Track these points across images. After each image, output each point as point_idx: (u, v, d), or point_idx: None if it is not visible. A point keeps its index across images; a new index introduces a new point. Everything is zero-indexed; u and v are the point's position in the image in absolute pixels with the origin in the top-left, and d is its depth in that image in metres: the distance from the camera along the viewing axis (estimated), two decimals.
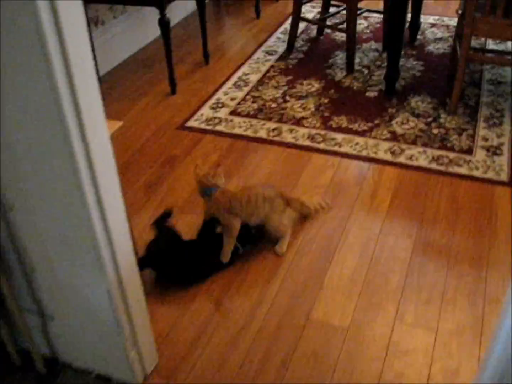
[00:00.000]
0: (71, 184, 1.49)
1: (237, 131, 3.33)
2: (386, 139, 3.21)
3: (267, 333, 2.21)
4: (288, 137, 3.26)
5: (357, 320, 2.24)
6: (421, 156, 3.07)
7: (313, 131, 3.30)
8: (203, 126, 3.39)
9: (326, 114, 3.46)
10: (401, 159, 3.05)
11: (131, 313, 1.82)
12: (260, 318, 2.27)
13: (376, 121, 3.37)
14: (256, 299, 2.35)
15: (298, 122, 3.39)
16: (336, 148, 3.16)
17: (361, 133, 3.27)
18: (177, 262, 2.40)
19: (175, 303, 2.35)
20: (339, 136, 3.26)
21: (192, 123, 3.42)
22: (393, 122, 3.36)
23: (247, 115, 3.47)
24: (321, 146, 3.18)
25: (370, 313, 2.27)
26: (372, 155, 3.09)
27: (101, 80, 3.82)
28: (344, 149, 3.15)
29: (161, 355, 2.12)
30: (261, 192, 2.52)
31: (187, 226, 2.65)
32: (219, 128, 3.37)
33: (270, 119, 3.43)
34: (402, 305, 2.29)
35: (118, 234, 1.67)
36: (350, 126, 3.34)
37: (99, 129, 1.48)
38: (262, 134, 3.30)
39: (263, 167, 3.07)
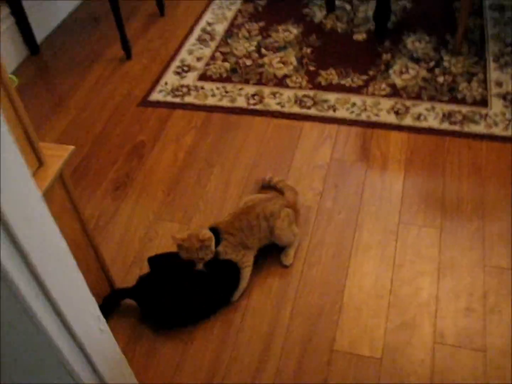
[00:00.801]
0: None
1: (211, 101, 2.81)
2: (386, 95, 2.74)
3: (287, 375, 1.84)
4: (272, 104, 2.76)
5: (390, 345, 1.88)
6: (430, 115, 2.62)
7: (300, 92, 2.80)
8: (169, 98, 2.86)
9: (312, 68, 2.94)
10: (408, 121, 2.60)
11: None
12: (275, 356, 1.89)
13: (371, 72, 2.88)
14: (266, 331, 1.95)
15: (281, 82, 2.88)
16: (330, 113, 2.68)
17: (356, 90, 2.79)
18: (168, 304, 1.97)
19: (172, 346, 1.94)
20: (332, 96, 2.77)
21: (155, 96, 2.88)
22: (391, 71, 2.87)
23: (220, 79, 2.94)
24: (313, 112, 2.70)
25: (404, 335, 1.91)
26: (374, 118, 2.63)
27: (39, 49, 3.21)
28: (340, 113, 2.68)
29: None
30: (262, 210, 2.09)
31: (168, 237, 2.18)
32: (188, 99, 2.84)
33: (247, 81, 2.90)
34: (440, 320, 1.93)
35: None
36: (342, 82, 2.84)
37: None
38: (241, 102, 2.79)
39: (248, 148, 2.59)
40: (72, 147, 1.66)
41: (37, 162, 1.58)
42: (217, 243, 2.00)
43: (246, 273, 2.06)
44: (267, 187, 2.39)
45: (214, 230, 2.01)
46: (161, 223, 2.31)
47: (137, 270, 2.16)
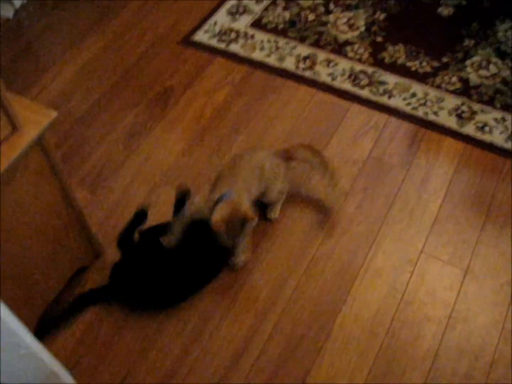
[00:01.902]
0: None
1: (257, 55, 2.52)
2: (454, 92, 2.38)
3: None
4: (322, 73, 2.44)
5: None
6: (497, 127, 2.27)
7: (358, 67, 2.47)
8: (213, 42, 2.57)
9: (379, 39, 2.58)
10: (470, 129, 2.26)
11: None
12: (243, 371, 1.75)
13: (445, 59, 2.49)
14: (241, 341, 1.80)
15: (340, 48, 2.54)
16: (384, 100, 2.36)
17: (422, 77, 2.43)
18: (148, 290, 1.82)
19: (139, 335, 1.81)
20: (391, 79, 2.43)
21: (200, 36, 2.60)
22: (468, 62, 2.48)
23: (274, 30, 2.62)
24: (365, 93, 2.38)
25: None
26: (431, 116, 2.30)
27: None
28: (395, 102, 2.35)
29: None
30: (264, 161, 1.92)
31: (169, 206, 1.99)
32: (234, 48, 2.55)
33: (303, 39, 2.58)
34: (432, 380, 1.71)
35: None
36: (409, 64, 2.48)
37: None
38: (290, 64, 2.48)
39: (283, 121, 2.32)
40: (54, 114, 1.46)
41: (10, 126, 1.39)
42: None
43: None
44: None
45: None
46: (165, 188, 2.11)
47: None
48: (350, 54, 2.52)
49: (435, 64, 2.48)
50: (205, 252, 1.85)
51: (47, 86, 2.48)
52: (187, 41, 2.58)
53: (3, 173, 1.35)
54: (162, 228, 1.90)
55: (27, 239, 1.58)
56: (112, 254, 1.94)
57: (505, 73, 2.45)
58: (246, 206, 1.78)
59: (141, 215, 1.89)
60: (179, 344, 1.79)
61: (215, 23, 2.65)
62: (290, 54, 2.52)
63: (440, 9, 2.72)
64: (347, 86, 2.40)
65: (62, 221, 1.70)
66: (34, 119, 1.44)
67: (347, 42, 2.57)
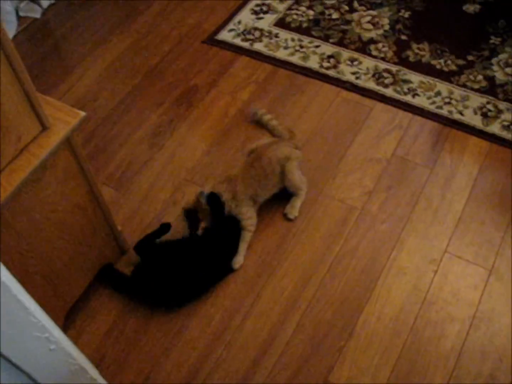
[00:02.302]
0: None
1: (281, 54, 2.53)
2: (479, 90, 2.36)
3: None
4: (346, 72, 2.44)
5: None
6: None
7: (382, 65, 2.46)
8: (238, 41, 2.59)
9: (404, 37, 2.57)
10: (495, 128, 2.24)
11: None
12: (265, 369, 1.76)
13: (470, 57, 2.48)
14: (264, 339, 1.81)
15: (364, 47, 2.54)
16: (408, 98, 2.35)
17: (446, 76, 2.42)
18: (167, 287, 1.84)
19: (164, 332, 1.83)
20: (416, 78, 2.42)
21: (224, 35, 2.62)
22: (494, 60, 2.46)
23: (298, 29, 2.62)
24: (389, 92, 2.37)
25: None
26: (456, 115, 2.28)
27: None
28: (420, 100, 2.34)
29: None
30: (274, 155, 1.99)
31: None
32: (258, 47, 2.56)
33: (327, 38, 2.58)
34: (455, 381, 1.70)
35: None
36: (433, 62, 2.47)
37: None
38: (313, 63, 2.49)
39: (306, 119, 2.33)
40: (83, 114, 1.48)
41: (40, 126, 1.42)
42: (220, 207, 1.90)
43: (248, 237, 1.95)
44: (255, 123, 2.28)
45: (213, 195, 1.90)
46: (190, 186, 2.14)
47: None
48: (374, 53, 2.51)
49: (460, 62, 2.46)
50: (219, 245, 1.90)
51: (73, 86, 2.51)
52: (212, 40, 2.60)
53: (32, 172, 1.37)
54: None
55: (55, 237, 1.61)
56: None
57: None
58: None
59: (165, 228, 1.94)
60: (203, 341, 1.81)
61: (239, 22, 2.67)
62: (314, 53, 2.52)
63: (466, 6, 2.69)
64: (371, 84, 2.40)
65: (88, 219, 1.73)
66: (63, 118, 1.46)
67: (371, 41, 2.56)
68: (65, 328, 1.78)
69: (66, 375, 1.26)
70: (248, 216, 1.96)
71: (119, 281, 1.90)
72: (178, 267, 1.85)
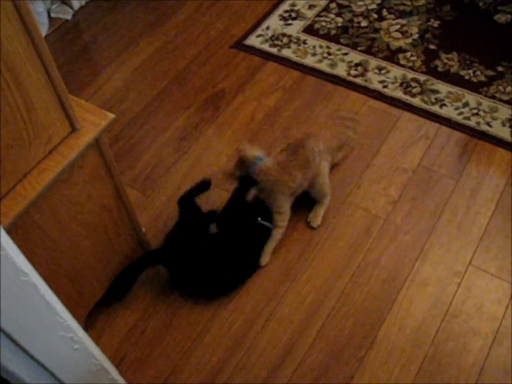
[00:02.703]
0: None
1: (308, 61, 2.53)
2: (509, 102, 2.34)
3: None
4: (374, 81, 2.44)
5: None
6: None
7: (410, 74, 2.45)
8: (266, 47, 2.59)
9: (433, 47, 2.55)
10: None
11: None
12: (285, 377, 1.75)
13: (500, 68, 2.45)
14: (285, 346, 1.80)
15: (392, 56, 2.53)
16: (435, 109, 2.33)
17: (475, 87, 2.39)
18: (198, 270, 1.85)
19: (185, 334, 1.84)
20: (444, 88, 2.40)
21: (252, 40, 2.63)
22: None
23: (326, 36, 2.62)
24: (417, 101, 2.36)
25: None
26: (484, 126, 2.26)
27: None
28: (447, 111, 2.32)
29: None
30: (316, 145, 1.95)
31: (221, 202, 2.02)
32: (286, 53, 2.57)
33: (355, 46, 2.57)
34: None
35: None
36: (462, 73, 2.45)
37: None
38: (341, 70, 2.48)
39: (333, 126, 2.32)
40: (112, 116, 1.50)
41: (70, 127, 1.44)
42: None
43: (278, 234, 1.94)
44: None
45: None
46: (215, 191, 2.14)
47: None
48: (403, 62, 2.50)
49: (490, 73, 2.44)
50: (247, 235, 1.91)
51: (101, 87, 2.54)
52: (240, 45, 2.61)
53: (60, 172, 1.39)
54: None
55: (80, 237, 1.63)
56: None
57: None
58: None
59: (205, 183, 1.94)
60: (223, 345, 1.81)
61: (268, 28, 2.67)
62: (342, 60, 2.52)
63: (497, 16, 2.67)
64: (399, 94, 2.39)
65: (113, 220, 1.74)
66: (92, 120, 1.48)
67: (399, 49, 2.55)
68: (86, 328, 1.79)
69: (89, 375, 1.27)
70: (283, 210, 1.93)
71: (150, 256, 1.90)
72: (210, 255, 1.85)
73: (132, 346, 1.83)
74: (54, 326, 1.08)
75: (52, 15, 2.82)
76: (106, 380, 1.36)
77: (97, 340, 1.81)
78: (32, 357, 1.07)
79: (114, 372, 1.39)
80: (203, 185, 1.95)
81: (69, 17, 2.84)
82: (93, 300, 1.83)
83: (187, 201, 1.92)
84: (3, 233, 0.86)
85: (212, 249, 1.86)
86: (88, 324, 1.84)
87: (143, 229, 1.91)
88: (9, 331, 0.96)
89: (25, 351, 1.04)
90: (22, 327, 0.98)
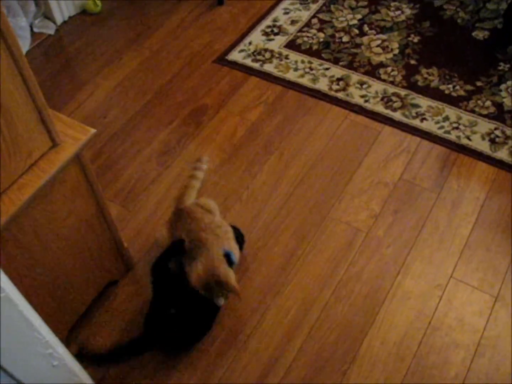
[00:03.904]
0: None
1: (291, 76, 2.55)
2: (488, 116, 2.37)
3: None
4: (356, 95, 2.46)
5: None
6: None
7: (391, 89, 2.48)
8: (248, 62, 2.61)
9: (413, 62, 2.59)
10: (503, 154, 2.25)
11: None
12: None
13: (479, 83, 2.49)
14: (266, 362, 1.80)
15: (373, 70, 2.55)
16: (416, 123, 2.36)
17: (455, 101, 2.43)
18: (189, 331, 1.80)
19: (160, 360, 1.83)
20: (424, 102, 2.43)
21: (235, 55, 2.64)
22: (503, 87, 2.47)
23: (308, 51, 2.65)
24: (397, 115, 2.38)
25: None
26: (464, 140, 2.29)
27: None
28: (428, 125, 2.35)
29: None
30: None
31: None
32: (268, 68, 2.58)
33: (337, 61, 2.60)
34: None
35: None
36: (442, 87, 2.48)
37: None
38: (323, 85, 2.50)
39: (315, 142, 2.34)
40: (93, 131, 1.50)
41: (50, 142, 1.43)
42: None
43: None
44: None
45: None
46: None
47: (158, 251, 2.02)
48: (384, 76, 2.53)
49: (469, 87, 2.47)
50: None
51: (83, 102, 2.54)
52: (222, 60, 2.62)
53: (41, 187, 1.38)
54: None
55: (61, 252, 1.61)
56: (142, 268, 1.97)
57: None
58: (226, 271, 1.68)
59: (178, 245, 1.78)
60: (205, 360, 1.80)
61: (250, 43, 2.69)
62: (324, 75, 2.54)
63: (475, 33, 2.71)
64: (380, 108, 2.41)
65: (95, 235, 1.74)
66: (73, 135, 1.48)
67: (380, 64, 2.58)
68: (68, 343, 1.78)
69: None
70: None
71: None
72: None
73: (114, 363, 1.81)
74: (33, 342, 1.07)
75: (35, 29, 2.82)
76: None
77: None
78: (9, 373, 1.05)
79: None
80: (177, 247, 1.78)
81: (52, 32, 2.83)
82: (75, 314, 1.81)
83: (160, 270, 1.78)
84: None
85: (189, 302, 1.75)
86: (70, 339, 1.82)
87: (125, 244, 1.90)
88: None
89: (2, 368, 1.03)
90: None
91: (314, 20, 2.78)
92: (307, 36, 2.71)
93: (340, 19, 2.78)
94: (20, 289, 1.00)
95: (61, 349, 1.19)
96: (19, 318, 1.00)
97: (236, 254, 1.78)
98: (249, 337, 1.83)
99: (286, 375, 1.76)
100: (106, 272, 1.88)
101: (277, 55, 2.63)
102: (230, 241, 1.80)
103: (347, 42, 2.68)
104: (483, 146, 2.27)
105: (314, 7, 2.84)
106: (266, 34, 2.74)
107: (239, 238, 1.91)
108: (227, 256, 1.72)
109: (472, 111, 2.39)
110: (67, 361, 1.22)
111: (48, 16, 2.84)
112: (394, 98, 2.44)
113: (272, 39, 2.70)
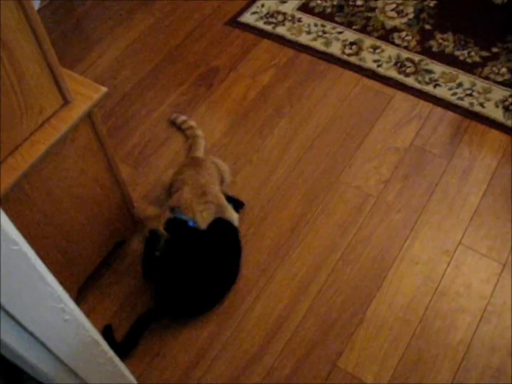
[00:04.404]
0: None
1: (303, 39, 2.51)
2: (502, 83, 2.34)
3: (278, 376, 1.72)
4: (368, 60, 2.43)
5: (398, 382, 1.69)
6: None
7: (404, 54, 2.44)
8: (260, 24, 2.58)
9: (428, 26, 2.54)
10: None
11: None
12: (275, 352, 1.76)
13: (495, 49, 2.45)
14: (274, 322, 1.81)
15: (387, 35, 2.52)
16: (429, 88, 2.33)
17: (469, 67, 2.39)
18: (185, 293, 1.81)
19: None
20: (438, 68, 2.39)
21: (247, 17, 2.61)
22: None
23: (321, 14, 2.61)
24: (410, 81, 2.35)
25: (417, 375, 1.71)
26: (477, 107, 2.26)
27: None
28: (441, 91, 2.32)
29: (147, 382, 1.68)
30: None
31: None
32: (280, 30, 2.55)
33: (350, 24, 2.56)
34: (462, 373, 1.71)
35: None
36: (457, 53, 2.44)
37: None
38: (335, 49, 2.47)
39: (326, 106, 2.32)
40: (104, 89, 1.49)
41: (62, 99, 1.43)
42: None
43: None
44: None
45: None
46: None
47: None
48: (397, 41, 2.49)
49: (485, 54, 2.44)
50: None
51: (94, 63, 2.52)
52: (234, 22, 2.59)
53: (52, 145, 1.39)
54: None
55: (72, 210, 1.63)
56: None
57: None
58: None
59: (154, 236, 1.77)
60: (213, 321, 1.82)
61: (263, 5, 2.65)
62: (337, 39, 2.51)
63: None
64: (393, 73, 2.38)
65: (105, 195, 1.75)
66: (85, 93, 1.47)
67: (394, 29, 2.54)
68: (77, 302, 1.79)
69: (79, 346, 1.28)
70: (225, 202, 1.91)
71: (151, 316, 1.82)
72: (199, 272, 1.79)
73: (122, 321, 1.83)
74: (45, 296, 1.08)
75: None
76: (97, 352, 1.37)
77: (88, 316, 1.82)
78: (22, 326, 1.07)
79: (104, 344, 1.39)
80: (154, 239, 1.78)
81: None
82: (84, 273, 1.83)
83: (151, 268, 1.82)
84: None
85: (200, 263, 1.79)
86: (79, 299, 1.84)
87: (135, 204, 1.91)
88: None
89: (15, 320, 1.04)
90: (12, 295, 0.98)
91: None
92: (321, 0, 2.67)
93: None
94: (31, 245, 1.01)
95: (72, 304, 1.20)
96: (32, 271, 1.01)
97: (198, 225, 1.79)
98: (257, 299, 1.85)
99: (292, 336, 1.78)
100: (115, 232, 1.89)
101: (289, 18, 2.60)
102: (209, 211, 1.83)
103: (361, 6, 2.64)
104: (497, 114, 2.24)
105: None
106: None
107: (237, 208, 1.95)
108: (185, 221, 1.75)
109: (487, 77, 2.35)
110: (78, 316, 1.24)
111: None
112: (407, 64, 2.41)
113: (285, 2, 2.66)
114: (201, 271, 1.77)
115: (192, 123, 2.20)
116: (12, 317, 1.02)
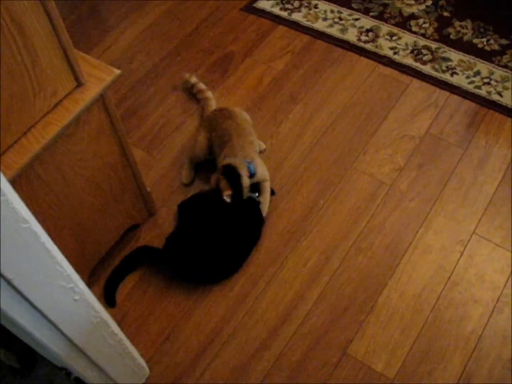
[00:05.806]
0: None
1: (319, 25, 2.49)
2: None
3: (288, 363, 1.72)
4: (385, 47, 2.40)
5: (407, 370, 1.70)
6: None
7: (422, 42, 2.41)
8: (276, 10, 2.56)
9: (446, 13, 2.51)
10: None
11: None
12: (285, 337, 1.76)
13: None
14: (286, 307, 1.81)
15: (404, 22, 2.49)
16: (446, 77, 2.30)
17: (488, 55, 2.36)
18: (201, 263, 1.85)
19: (186, 295, 1.85)
20: (455, 56, 2.36)
21: (263, 3, 2.59)
22: None
23: (338, 1, 2.59)
24: (427, 69, 2.33)
25: (427, 365, 1.70)
26: (495, 96, 2.23)
27: None
28: (458, 79, 2.29)
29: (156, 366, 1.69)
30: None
31: None
32: (296, 17, 2.53)
33: (367, 11, 2.53)
34: (473, 363, 1.69)
35: None
36: (475, 41, 2.41)
37: None
38: (352, 36, 2.45)
39: (341, 92, 2.30)
40: (117, 72, 1.49)
41: (75, 81, 1.43)
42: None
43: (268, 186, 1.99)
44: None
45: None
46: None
47: (181, 197, 2.04)
48: (415, 29, 2.46)
49: (504, 42, 2.40)
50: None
51: (109, 47, 2.52)
52: (250, 8, 2.58)
53: (65, 126, 1.39)
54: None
55: (84, 193, 1.63)
56: (165, 214, 1.98)
57: None
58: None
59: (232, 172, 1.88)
60: (224, 305, 1.82)
61: None
62: (353, 26, 2.48)
63: None
64: (409, 61, 2.36)
65: (118, 178, 1.75)
66: (98, 75, 1.47)
67: (412, 16, 2.51)
68: (88, 286, 1.81)
69: (89, 327, 1.28)
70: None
71: (151, 255, 1.91)
72: (211, 241, 1.84)
73: (134, 305, 1.84)
74: (55, 275, 1.09)
75: None
76: (106, 333, 1.38)
77: (99, 298, 1.83)
78: (32, 305, 1.08)
79: (114, 326, 1.40)
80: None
81: None
82: (96, 257, 1.84)
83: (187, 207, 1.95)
84: (3, 179, 0.86)
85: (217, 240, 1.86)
86: (91, 281, 1.85)
87: (148, 189, 1.91)
88: (9, 277, 0.96)
89: (26, 299, 1.05)
90: (22, 274, 0.99)
91: None
92: None
93: None
94: (43, 226, 1.01)
95: (82, 285, 1.21)
96: (42, 250, 1.02)
97: (257, 170, 1.91)
98: (268, 284, 1.85)
99: (303, 322, 1.78)
100: (128, 216, 1.89)
101: (306, 4, 2.58)
102: (255, 154, 1.95)
103: None
104: None
105: None
106: None
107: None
108: (248, 168, 1.86)
109: (505, 66, 2.32)
110: (88, 296, 1.24)
111: None
112: (424, 51, 2.38)
113: None
114: (226, 235, 1.85)
115: (202, 86, 2.24)
116: (21, 294, 1.02)
